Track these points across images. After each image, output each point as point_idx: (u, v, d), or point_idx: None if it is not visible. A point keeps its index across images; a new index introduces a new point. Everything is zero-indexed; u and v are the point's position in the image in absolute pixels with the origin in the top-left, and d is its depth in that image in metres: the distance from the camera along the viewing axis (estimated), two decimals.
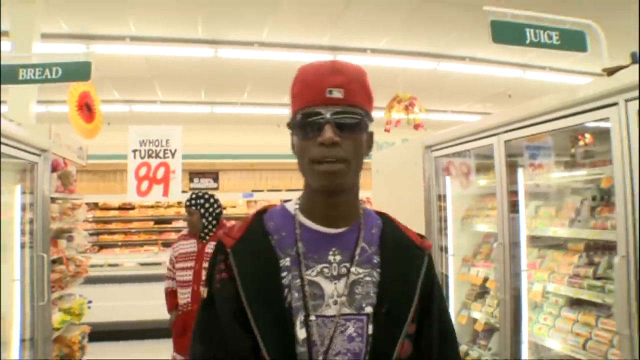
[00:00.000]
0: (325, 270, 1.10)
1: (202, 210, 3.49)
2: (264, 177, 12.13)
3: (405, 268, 1.16)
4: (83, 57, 3.11)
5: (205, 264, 3.26)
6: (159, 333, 5.29)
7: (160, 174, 5.52)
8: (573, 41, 2.46)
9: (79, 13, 5.07)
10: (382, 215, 1.26)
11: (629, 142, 2.26)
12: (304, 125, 1.06)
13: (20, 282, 3.10)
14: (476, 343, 3.76)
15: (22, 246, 3.16)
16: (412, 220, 3.43)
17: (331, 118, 1.03)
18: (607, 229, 2.70)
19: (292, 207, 1.19)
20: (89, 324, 4.57)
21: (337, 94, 1.04)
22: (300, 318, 1.05)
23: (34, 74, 3.11)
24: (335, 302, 1.08)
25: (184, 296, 3.43)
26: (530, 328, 3.29)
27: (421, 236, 1.24)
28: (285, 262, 1.09)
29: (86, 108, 5.13)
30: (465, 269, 4.00)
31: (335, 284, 1.09)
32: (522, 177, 3.31)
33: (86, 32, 5.31)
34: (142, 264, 7.29)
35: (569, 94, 2.52)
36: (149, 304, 5.26)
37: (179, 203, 9.80)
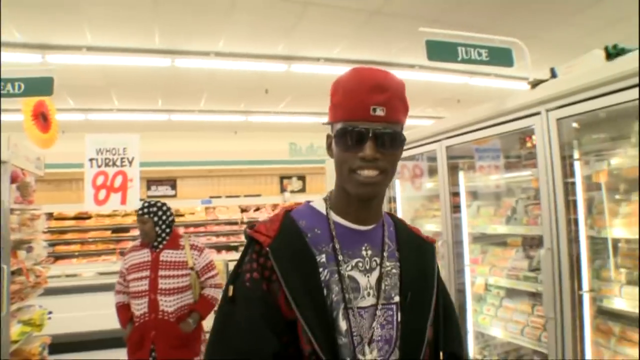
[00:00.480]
0: (360, 264, 1.16)
1: (156, 219, 3.42)
2: (222, 183, 12.13)
3: (421, 260, 1.26)
4: (45, 72, 3.17)
5: (161, 272, 3.29)
6: (120, 342, 5.32)
7: (117, 182, 5.40)
8: (501, 57, 2.72)
9: (34, 23, 5.04)
10: (390, 215, 1.35)
11: (550, 146, 2.53)
12: (345, 137, 1.11)
13: None
14: None
15: None
16: None
17: (372, 135, 1.08)
18: (537, 225, 2.97)
19: (320, 206, 1.24)
20: (49, 335, 4.54)
21: (380, 112, 1.08)
22: (340, 311, 1.11)
23: None
24: (369, 294, 1.15)
25: (140, 307, 3.28)
26: (475, 319, 3.54)
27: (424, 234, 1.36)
28: (321, 258, 1.13)
29: (42, 117, 5.09)
30: None
31: (368, 277, 1.16)
32: (463, 179, 3.58)
33: (42, 42, 5.28)
34: (101, 274, 7.21)
35: (499, 104, 2.78)
36: (110, 313, 5.23)
37: (136, 211, 9.74)
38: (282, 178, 12.63)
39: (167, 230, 3.47)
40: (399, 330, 1.15)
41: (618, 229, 2.54)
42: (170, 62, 5.89)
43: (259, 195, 11.47)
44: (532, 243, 3.34)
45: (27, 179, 4.02)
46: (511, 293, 3.41)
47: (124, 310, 3.46)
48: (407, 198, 4.28)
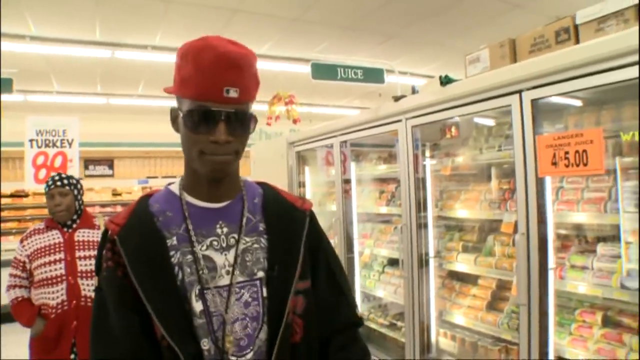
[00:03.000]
0: (215, 243, 1.13)
1: (76, 192, 2.99)
2: (159, 164, 12.49)
3: (289, 231, 1.21)
4: (5, 73, 3.65)
5: (79, 253, 2.88)
6: None
7: (58, 162, 5.57)
8: (374, 76, 3.49)
9: None
10: (263, 185, 1.31)
11: (407, 146, 3.33)
12: (195, 118, 1.05)
13: None
14: None
15: None
16: None
17: (224, 118, 1.04)
18: None
19: (176, 188, 1.20)
20: None
21: (233, 93, 1.02)
22: (195, 291, 1.08)
23: None
24: (228, 272, 1.12)
25: (55, 295, 2.80)
26: (363, 281, 4.36)
27: (302, 198, 1.31)
28: (172, 241, 1.11)
29: None
30: None
31: (225, 255, 1.13)
32: (354, 169, 4.36)
33: None
34: None
35: (374, 112, 3.57)
36: None
37: None
38: None
39: (82, 207, 3.08)
40: (265, 306, 1.13)
41: (460, 211, 3.38)
42: (111, 53, 6.34)
43: None
44: None
45: None
46: (392, 261, 4.22)
47: (26, 305, 2.89)
48: (315, 184, 5.02)
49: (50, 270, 2.81)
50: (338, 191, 4.23)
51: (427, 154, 3.46)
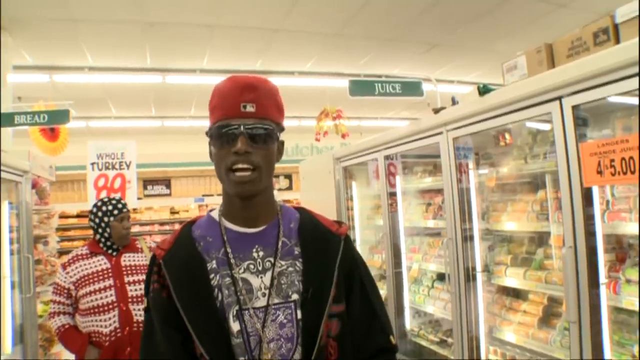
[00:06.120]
0: (251, 266, 1.18)
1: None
2: (214, 182, 12.75)
3: (324, 255, 1.24)
4: (65, 106, 3.94)
5: (128, 278, 2.81)
6: None
7: (117, 184, 5.78)
8: (412, 89, 3.46)
9: (43, 48, 5.79)
10: (300, 210, 1.36)
11: (449, 159, 3.28)
12: (220, 136, 1.15)
13: (10, 278, 3.75)
14: None
15: (11, 249, 3.82)
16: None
17: (244, 130, 1.13)
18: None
19: (216, 214, 1.27)
20: None
21: (250, 108, 1.13)
22: (232, 312, 1.14)
23: (27, 119, 3.96)
24: (264, 294, 1.17)
25: (108, 322, 2.72)
26: (412, 297, 4.28)
27: (339, 222, 1.34)
28: (212, 264, 1.18)
29: (49, 128, 5.80)
30: (371, 256, 4.95)
31: (261, 277, 1.18)
32: (400, 182, 4.31)
33: (49, 64, 6.04)
34: None
35: (414, 125, 3.55)
36: None
37: (135, 209, 10.48)
38: None
39: None
40: (299, 328, 1.17)
41: (508, 223, 3.27)
42: (162, 78, 6.63)
43: None
44: None
45: (43, 185, 4.76)
46: (442, 276, 4.11)
47: (73, 333, 2.83)
48: (362, 197, 5.01)
49: (101, 298, 2.73)
50: (384, 205, 4.21)
51: (471, 165, 3.39)
